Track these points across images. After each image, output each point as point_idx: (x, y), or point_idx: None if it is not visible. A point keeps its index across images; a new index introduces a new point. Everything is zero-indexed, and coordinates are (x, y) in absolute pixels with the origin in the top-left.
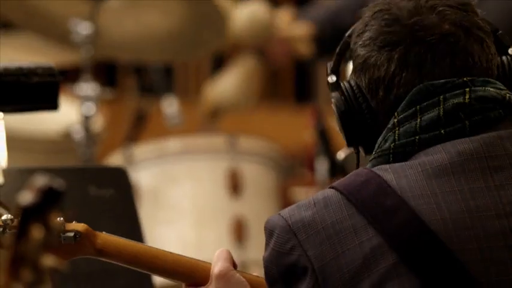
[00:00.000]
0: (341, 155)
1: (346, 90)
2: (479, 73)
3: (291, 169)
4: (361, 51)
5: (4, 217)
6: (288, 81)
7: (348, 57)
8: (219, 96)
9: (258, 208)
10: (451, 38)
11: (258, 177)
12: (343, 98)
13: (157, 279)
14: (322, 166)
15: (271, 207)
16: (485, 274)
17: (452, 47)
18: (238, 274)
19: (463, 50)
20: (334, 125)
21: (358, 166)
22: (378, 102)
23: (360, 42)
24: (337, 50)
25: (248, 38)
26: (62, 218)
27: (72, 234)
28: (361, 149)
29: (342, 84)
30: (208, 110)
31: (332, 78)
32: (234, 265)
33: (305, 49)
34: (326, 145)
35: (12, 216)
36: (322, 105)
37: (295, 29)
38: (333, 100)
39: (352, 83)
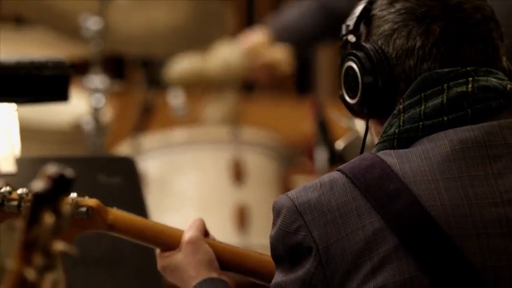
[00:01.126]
0: (340, 144)
1: (372, 51)
2: (499, 65)
3: (291, 158)
4: (394, 18)
5: (20, 191)
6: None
7: (368, 21)
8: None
9: (260, 196)
10: (486, 27)
11: (260, 166)
12: (368, 57)
13: None
14: (321, 155)
15: (273, 195)
16: (482, 261)
17: (487, 35)
18: (206, 245)
19: (493, 40)
20: (333, 116)
21: (366, 133)
22: (403, 71)
23: (393, 10)
24: (358, 13)
25: (223, 80)
26: (75, 194)
27: (84, 209)
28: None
29: (366, 45)
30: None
31: (352, 38)
32: (206, 234)
33: (286, 70)
34: (325, 135)
35: (28, 190)
36: (322, 96)
37: (275, 53)
38: (352, 58)
39: (377, 46)
